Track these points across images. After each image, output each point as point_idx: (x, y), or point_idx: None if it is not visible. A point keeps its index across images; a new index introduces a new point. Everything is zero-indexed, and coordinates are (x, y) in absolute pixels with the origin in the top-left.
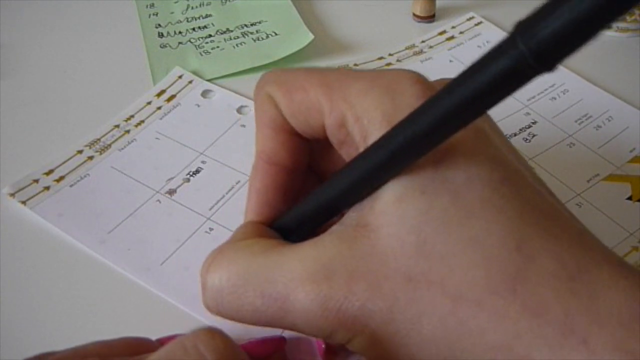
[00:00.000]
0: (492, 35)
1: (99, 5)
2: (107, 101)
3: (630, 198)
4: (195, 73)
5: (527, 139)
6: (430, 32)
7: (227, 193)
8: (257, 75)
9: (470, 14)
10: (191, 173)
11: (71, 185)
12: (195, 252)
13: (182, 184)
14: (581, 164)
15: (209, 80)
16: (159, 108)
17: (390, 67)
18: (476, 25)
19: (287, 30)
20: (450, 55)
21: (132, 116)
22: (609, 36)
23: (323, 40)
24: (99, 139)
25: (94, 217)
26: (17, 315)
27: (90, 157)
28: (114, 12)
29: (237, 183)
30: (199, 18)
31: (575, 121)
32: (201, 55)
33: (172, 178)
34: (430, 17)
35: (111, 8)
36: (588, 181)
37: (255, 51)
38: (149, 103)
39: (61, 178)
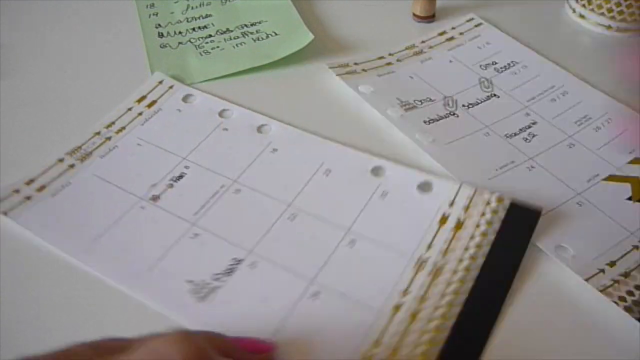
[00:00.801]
0: (491, 37)
1: (99, 5)
2: (107, 101)
3: (630, 198)
4: (195, 73)
5: (527, 139)
6: (430, 32)
7: (211, 198)
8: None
9: (470, 15)
10: (174, 178)
11: (53, 195)
12: (182, 257)
13: (165, 189)
14: (581, 164)
15: (189, 85)
16: (140, 114)
17: (391, 66)
18: (476, 26)
19: (287, 30)
20: (450, 55)
21: (113, 123)
22: (609, 36)
23: (323, 40)
24: (79, 147)
25: (78, 227)
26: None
27: (72, 166)
28: (114, 12)
29: (221, 187)
30: (199, 18)
31: (575, 122)
32: (201, 55)
33: (155, 184)
34: (430, 17)
35: (111, 8)
36: (588, 181)
37: (255, 51)
38: (129, 109)
39: (42, 187)
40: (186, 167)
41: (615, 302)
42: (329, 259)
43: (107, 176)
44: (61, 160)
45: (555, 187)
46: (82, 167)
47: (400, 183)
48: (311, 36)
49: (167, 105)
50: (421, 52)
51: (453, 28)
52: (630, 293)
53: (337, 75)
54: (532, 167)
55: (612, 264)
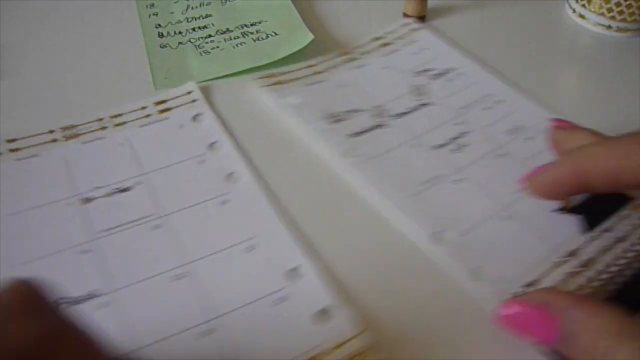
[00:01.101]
0: (429, 42)
1: (99, 5)
2: (106, 101)
3: (562, 209)
4: (195, 73)
5: (456, 150)
6: (363, 37)
7: (128, 223)
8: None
9: (407, 20)
10: (119, 189)
11: (18, 160)
12: (54, 268)
13: (103, 196)
14: (510, 175)
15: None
16: (147, 116)
17: (320, 75)
18: (413, 31)
19: (287, 30)
20: (384, 62)
21: (120, 115)
22: (609, 36)
23: (323, 40)
24: (74, 126)
25: (6, 199)
26: None
27: (54, 140)
28: (114, 12)
29: (146, 217)
30: (199, 18)
31: (507, 132)
32: (201, 55)
33: (100, 187)
34: (421, 18)
35: (111, 8)
36: (516, 193)
37: (255, 51)
38: (143, 107)
39: (16, 150)
40: (138, 183)
41: None
42: (168, 339)
43: (71, 162)
44: (51, 132)
45: (481, 200)
46: (61, 145)
47: (304, 299)
48: (311, 36)
49: (175, 117)
50: (354, 58)
51: (388, 33)
52: None
53: (262, 86)
54: (460, 179)
55: (531, 284)
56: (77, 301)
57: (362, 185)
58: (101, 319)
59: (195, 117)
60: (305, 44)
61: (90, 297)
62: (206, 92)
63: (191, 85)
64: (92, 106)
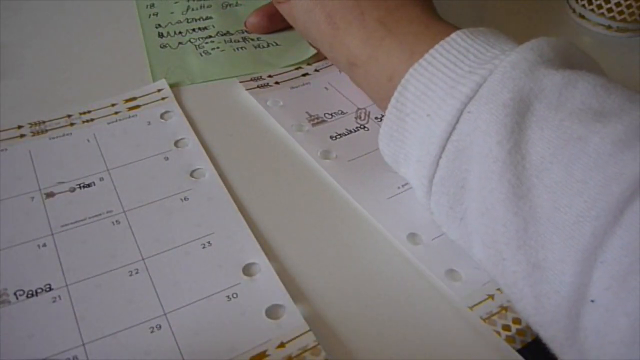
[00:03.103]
0: None
1: (99, 5)
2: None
3: None
4: (195, 73)
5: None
6: None
7: (89, 218)
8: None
9: None
10: (82, 185)
11: None
12: (14, 260)
13: (65, 191)
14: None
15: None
16: (117, 113)
17: (306, 77)
18: None
19: (288, 42)
20: None
21: (88, 112)
22: (609, 36)
23: None
24: (43, 122)
25: None
26: None
27: (22, 135)
28: (114, 12)
29: (107, 212)
30: (199, 19)
31: None
32: (201, 55)
33: (63, 182)
34: None
35: (111, 8)
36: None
37: (256, 57)
38: (113, 105)
39: None
40: (101, 180)
41: (498, 332)
42: (119, 333)
43: (36, 157)
44: (20, 127)
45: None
46: (28, 140)
47: (257, 295)
48: (313, 51)
49: (144, 114)
50: None
51: None
52: (516, 321)
53: (247, 89)
54: None
55: None
56: (33, 294)
57: (336, 187)
58: (55, 312)
59: (163, 115)
60: (306, 57)
61: (45, 290)
62: (178, 90)
63: (162, 83)
64: (79, 104)
